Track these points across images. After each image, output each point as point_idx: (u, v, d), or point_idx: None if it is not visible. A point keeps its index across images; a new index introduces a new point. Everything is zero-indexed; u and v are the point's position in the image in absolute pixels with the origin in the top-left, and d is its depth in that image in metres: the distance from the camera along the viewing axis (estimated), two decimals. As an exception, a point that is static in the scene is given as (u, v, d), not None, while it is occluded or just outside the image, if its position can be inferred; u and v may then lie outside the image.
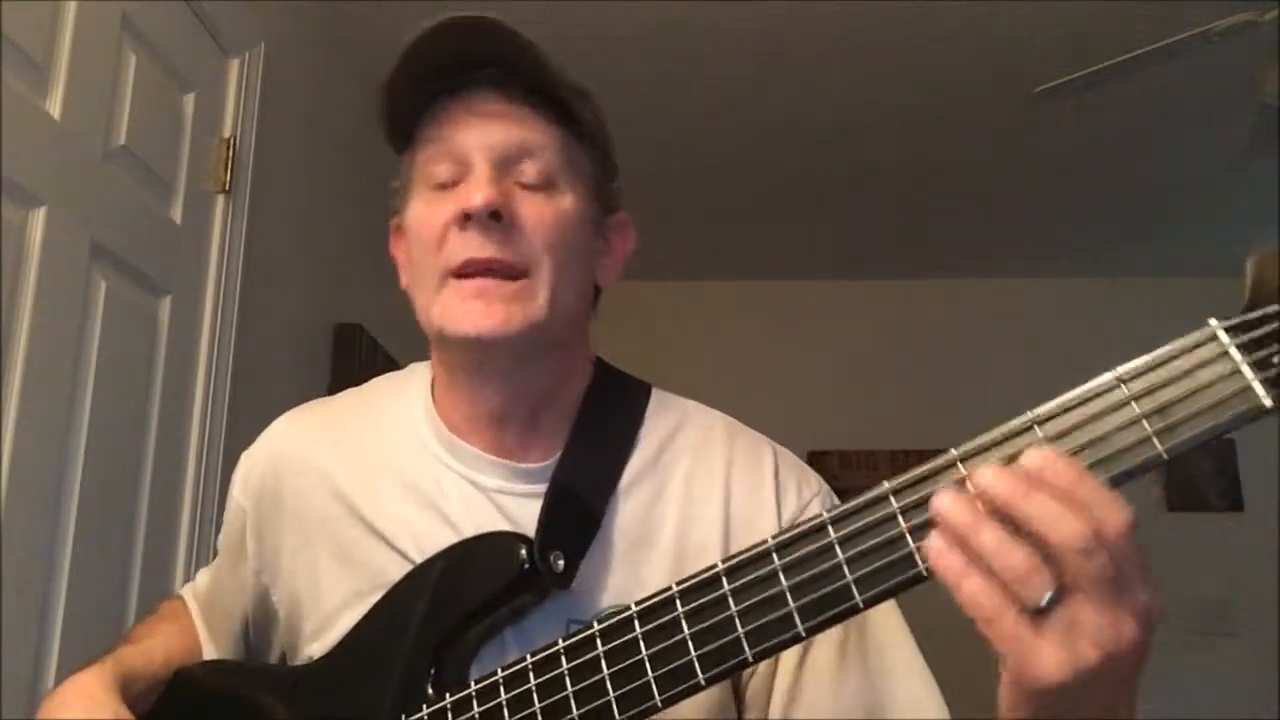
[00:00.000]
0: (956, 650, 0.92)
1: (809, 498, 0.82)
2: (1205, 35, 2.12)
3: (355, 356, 2.51)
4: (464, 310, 0.75)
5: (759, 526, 0.79)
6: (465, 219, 0.75)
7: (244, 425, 1.79)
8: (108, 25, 1.53)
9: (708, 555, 0.78)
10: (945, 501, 0.53)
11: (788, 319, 4.27)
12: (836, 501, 0.83)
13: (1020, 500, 0.51)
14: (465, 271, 0.76)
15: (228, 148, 1.89)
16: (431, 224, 0.78)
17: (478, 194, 0.75)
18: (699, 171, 3.37)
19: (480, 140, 0.77)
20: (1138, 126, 3.03)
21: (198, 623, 0.94)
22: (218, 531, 1.82)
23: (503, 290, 0.75)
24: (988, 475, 0.53)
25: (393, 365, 0.97)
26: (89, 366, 1.47)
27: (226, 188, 1.88)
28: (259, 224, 1.97)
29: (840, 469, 4.01)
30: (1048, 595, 0.50)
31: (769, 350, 4.19)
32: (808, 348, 4.23)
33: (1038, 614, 0.51)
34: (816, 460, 3.76)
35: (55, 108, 1.40)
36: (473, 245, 0.75)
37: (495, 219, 0.75)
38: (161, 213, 1.72)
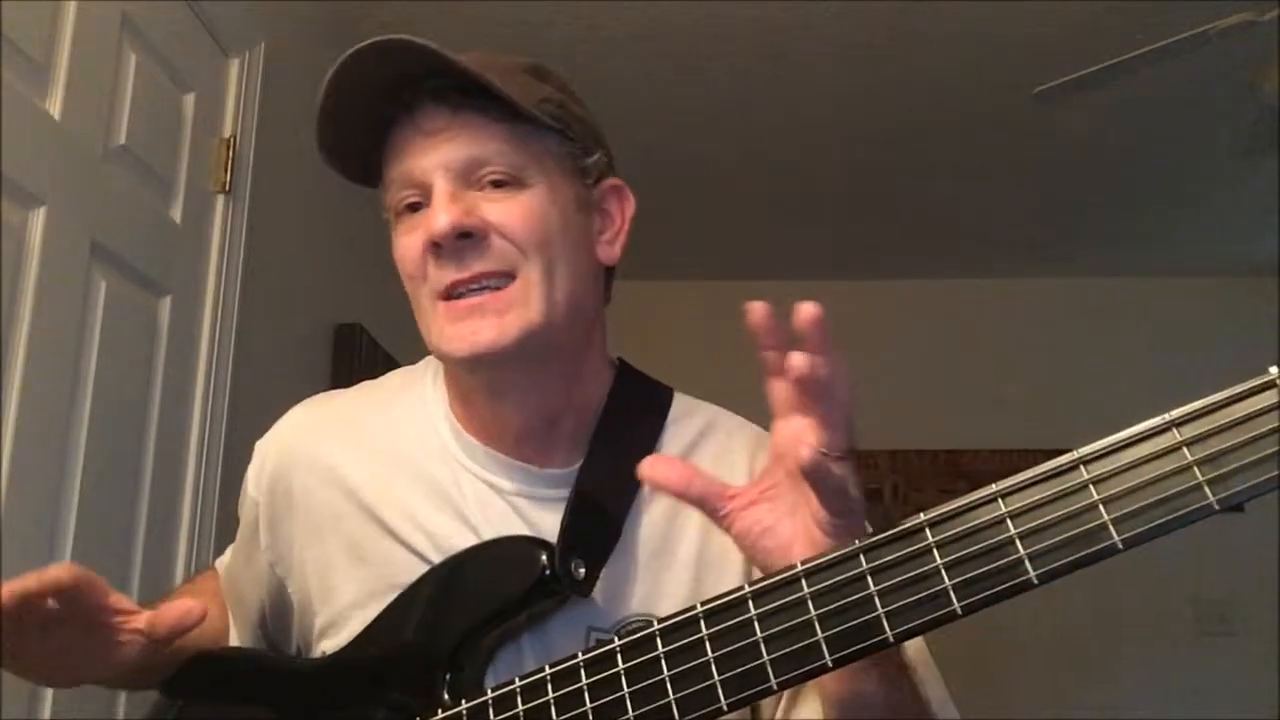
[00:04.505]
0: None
1: None
2: (1205, 35, 2.12)
3: (355, 356, 2.51)
4: (457, 331, 0.75)
5: None
6: (436, 247, 0.75)
7: (244, 425, 1.79)
8: (108, 25, 1.53)
9: (728, 567, 0.78)
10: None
11: (787, 319, 4.25)
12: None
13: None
14: (453, 294, 0.76)
15: (228, 148, 1.89)
16: (409, 256, 0.78)
17: (440, 218, 0.74)
18: (698, 171, 3.36)
19: (434, 160, 0.76)
20: (1138, 126, 3.02)
21: (228, 603, 0.94)
22: (218, 529, 1.83)
23: (496, 302, 0.74)
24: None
25: (393, 365, 0.96)
26: (89, 366, 1.46)
27: (226, 188, 1.88)
28: (259, 224, 1.97)
29: (840, 469, 3.99)
30: None
31: (769, 350, 4.18)
32: (807, 348, 4.21)
33: None
34: (816, 460, 3.73)
35: (55, 108, 1.40)
36: (450, 270, 0.75)
37: (466, 237, 0.74)
38: (161, 213, 1.72)
